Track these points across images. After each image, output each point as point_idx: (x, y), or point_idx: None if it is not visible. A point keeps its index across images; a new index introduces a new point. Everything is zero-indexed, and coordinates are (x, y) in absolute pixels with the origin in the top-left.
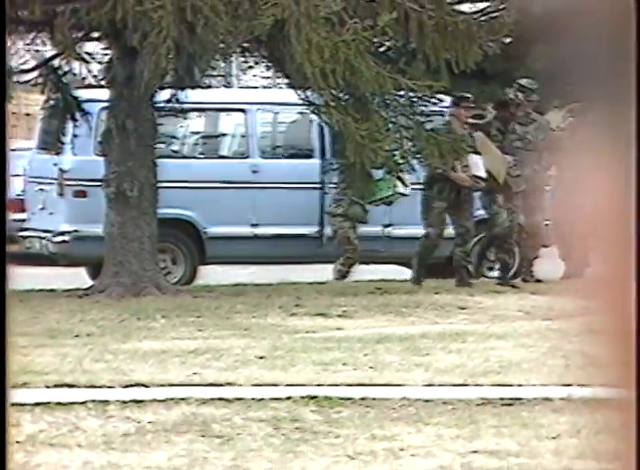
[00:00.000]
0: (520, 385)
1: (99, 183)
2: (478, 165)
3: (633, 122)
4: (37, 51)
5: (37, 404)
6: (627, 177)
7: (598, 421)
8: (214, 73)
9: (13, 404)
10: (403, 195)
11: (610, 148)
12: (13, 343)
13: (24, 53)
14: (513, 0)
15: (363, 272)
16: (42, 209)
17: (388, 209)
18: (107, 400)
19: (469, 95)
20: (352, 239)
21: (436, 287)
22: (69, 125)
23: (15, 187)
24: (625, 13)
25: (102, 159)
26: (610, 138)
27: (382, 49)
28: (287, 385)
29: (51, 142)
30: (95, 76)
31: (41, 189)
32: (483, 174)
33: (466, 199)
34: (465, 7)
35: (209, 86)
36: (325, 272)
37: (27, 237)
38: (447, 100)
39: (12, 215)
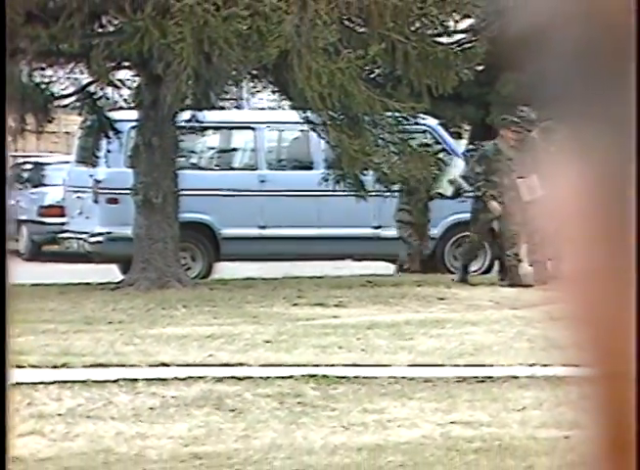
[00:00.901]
0: (491, 365)
1: (128, 191)
2: (531, 189)
3: (633, 123)
4: (76, 79)
5: (76, 382)
6: (594, 178)
7: (558, 395)
8: (228, 97)
9: (54, 382)
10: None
11: (576, 156)
12: (53, 329)
13: (65, 81)
14: (484, 31)
15: (355, 268)
16: (79, 214)
17: (378, 213)
18: (135, 379)
19: (516, 119)
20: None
21: (419, 281)
22: (103, 142)
23: (56, 195)
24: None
25: (131, 170)
26: (578, 147)
27: (372, 75)
28: (290, 365)
29: (87, 156)
30: (125, 100)
31: (79, 197)
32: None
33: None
34: (443, 39)
35: (223, 108)
36: (323, 268)
37: (67, 238)
38: (429, 118)
39: (53, 220)
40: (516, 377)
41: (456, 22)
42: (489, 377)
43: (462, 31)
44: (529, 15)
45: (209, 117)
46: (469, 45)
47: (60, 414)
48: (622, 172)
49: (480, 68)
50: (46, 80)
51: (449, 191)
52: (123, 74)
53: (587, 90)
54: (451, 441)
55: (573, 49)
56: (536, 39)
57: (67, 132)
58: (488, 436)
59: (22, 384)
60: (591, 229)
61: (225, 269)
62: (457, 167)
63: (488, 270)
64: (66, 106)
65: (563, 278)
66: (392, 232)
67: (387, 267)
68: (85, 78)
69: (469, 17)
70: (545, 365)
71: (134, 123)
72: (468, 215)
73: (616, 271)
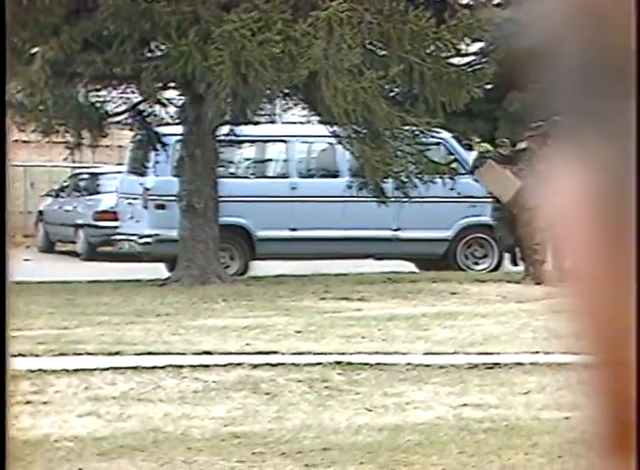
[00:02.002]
0: (498, 353)
1: (174, 198)
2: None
3: (633, 124)
4: (127, 98)
5: (128, 368)
6: (591, 180)
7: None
8: (262, 113)
9: (108, 368)
10: None
11: (575, 158)
12: (107, 321)
13: (118, 100)
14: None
15: (376, 266)
16: (130, 218)
17: (397, 217)
18: (181, 365)
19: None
20: None
21: (434, 277)
22: (152, 154)
23: (109, 202)
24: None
25: (176, 179)
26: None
27: (392, 93)
28: (318, 353)
29: (137, 167)
30: (171, 116)
31: (130, 203)
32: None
33: None
34: (456, 60)
35: (258, 122)
36: (347, 266)
37: (119, 240)
38: (443, 132)
39: (107, 224)
40: (521, 364)
41: (467, 45)
42: (497, 364)
43: (473, 54)
44: (536, 33)
45: (246, 131)
46: (479, 66)
47: (114, 397)
48: (623, 181)
49: (489, 86)
50: (101, 100)
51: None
52: (170, 94)
53: (590, 105)
54: (463, 421)
55: (577, 67)
56: (542, 57)
57: (119, 146)
58: (497, 417)
59: (79, 370)
60: (593, 232)
61: (260, 267)
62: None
63: (496, 268)
64: (118, 122)
65: (567, 276)
66: (410, 234)
67: (405, 265)
68: (136, 98)
69: (479, 40)
70: (547, 353)
71: (179, 137)
72: (478, 219)
73: (616, 270)
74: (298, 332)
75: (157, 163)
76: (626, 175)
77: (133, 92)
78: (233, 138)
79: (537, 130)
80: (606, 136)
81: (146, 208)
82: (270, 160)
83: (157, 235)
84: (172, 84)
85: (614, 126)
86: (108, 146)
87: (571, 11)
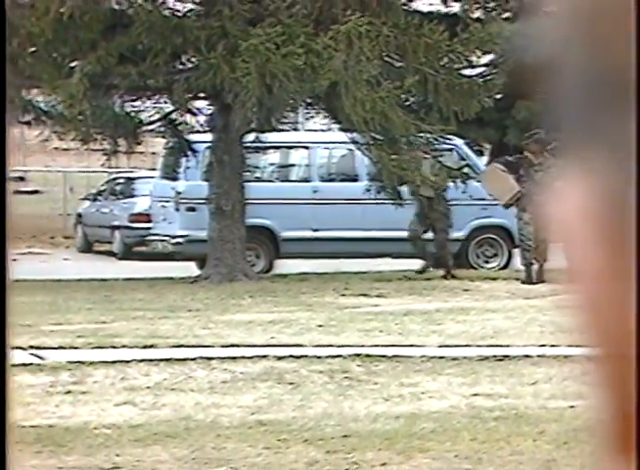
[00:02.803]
0: (508, 346)
1: (204, 201)
2: (505, 188)
3: (633, 125)
4: (160, 108)
5: (161, 360)
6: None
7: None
8: (286, 121)
9: (143, 360)
10: None
11: (580, 168)
12: (142, 316)
13: (151, 110)
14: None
15: (393, 264)
16: (163, 220)
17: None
18: (210, 357)
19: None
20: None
21: (447, 275)
22: (183, 160)
23: (143, 205)
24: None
25: (206, 183)
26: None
27: (407, 103)
28: (339, 346)
29: (169, 172)
30: (201, 125)
31: (162, 206)
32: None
33: None
34: (467, 72)
35: (282, 130)
36: (366, 264)
37: (153, 240)
38: (455, 139)
39: (142, 225)
40: (529, 356)
41: (478, 57)
42: (507, 356)
43: (483, 65)
44: (541, 48)
45: (271, 138)
46: (489, 77)
47: (148, 387)
48: (623, 191)
49: (499, 96)
50: (135, 110)
51: (429, 191)
52: (200, 104)
53: (593, 121)
54: (475, 410)
55: (580, 83)
56: (547, 71)
57: (153, 152)
58: (506, 406)
59: (116, 362)
60: (595, 235)
61: (284, 266)
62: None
63: (506, 266)
64: (152, 130)
65: (570, 275)
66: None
67: (420, 264)
68: (168, 107)
69: (489, 53)
70: (553, 346)
71: (208, 144)
72: (489, 220)
73: (616, 269)
74: (320, 326)
75: (187, 168)
76: (626, 186)
77: (165, 102)
78: (259, 145)
79: (534, 140)
80: (607, 150)
81: (177, 210)
82: (293, 165)
83: (187, 236)
84: (202, 95)
85: (615, 141)
86: (142, 153)
87: (575, 27)
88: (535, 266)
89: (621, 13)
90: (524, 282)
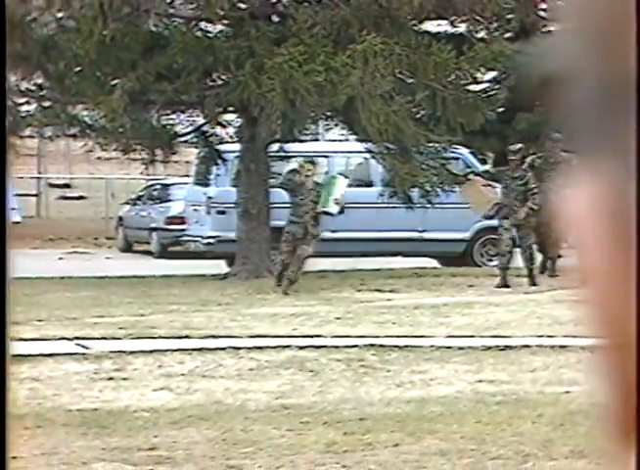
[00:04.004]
0: (509, 336)
1: (233, 205)
2: (480, 196)
3: (634, 127)
4: (193, 121)
5: (194, 349)
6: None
7: (561, 360)
8: (307, 132)
9: (178, 350)
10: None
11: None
12: (177, 309)
13: (185, 123)
14: (504, 81)
15: (405, 262)
16: (196, 222)
17: (422, 220)
18: (238, 347)
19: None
20: None
21: (453, 272)
22: (214, 168)
23: (178, 208)
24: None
25: (234, 189)
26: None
27: (418, 115)
28: (355, 336)
29: (201, 179)
30: (230, 136)
31: (195, 209)
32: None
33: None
34: (472, 87)
35: (304, 140)
36: (379, 262)
37: (187, 241)
38: (461, 148)
39: (176, 227)
40: (528, 346)
41: (482, 74)
42: (508, 346)
43: (487, 81)
44: (551, 61)
45: (293, 147)
46: (492, 92)
47: (182, 374)
48: (628, 192)
49: (501, 109)
50: (170, 123)
51: (335, 209)
52: (229, 117)
53: (601, 128)
54: (479, 395)
55: (590, 92)
56: (557, 83)
57: (186, 161)
58: (507, 391)
59: (153, 351)
60: (598, 235)
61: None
62: (341, 187)
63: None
64: (185, 141)
65: (580, 271)
66: (433, 235)
67: (429, 262)
68: (200, 120)
69: (492, 70)
70: (550, 336)
71: (237, 153)
72: (492, 222)
73: (620, 265)
74: (338, 319)
75: (218, 175)
76: (630, 187)
77: (198, 116)
78: (282, 154)
79: (515, 152)
80: (614, 155)
81: (209, 213)
82: None
83: (218, 236)
84: (231, 108)
85: (621, 146)
86: (177, 161)
87: (585, 43)
88: (549, 262)
89: (628, 28)
90: (498, 286)
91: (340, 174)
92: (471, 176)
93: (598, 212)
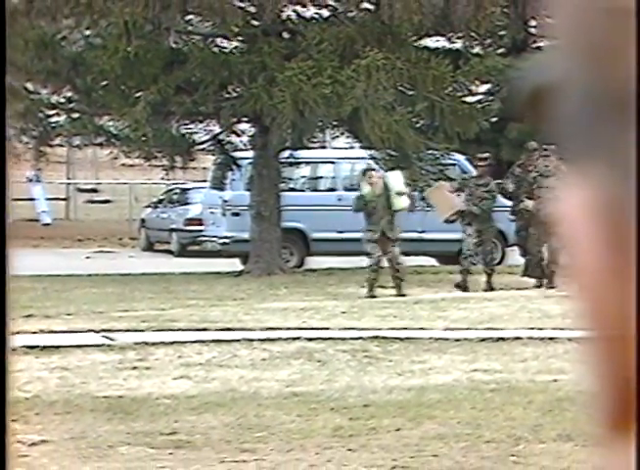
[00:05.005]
0: (502, 329)
1: (246, 207)
2: (446, 203)
3: (624, 135)
4: (210, 130)
5: (211, 341)
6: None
7: (550, 350)
8: (315, 140)
9: (196, 341)
10: None
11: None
12: (195, 304)
13: (202, 132)
14: (498, 93)
15: (405, 261)
16: (212, 223)
17: (422, 221)
18: (251, 339)
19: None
20: None
21: (451, 270)
22: (229, 173)
23: (196, 211)
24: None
25: (248, 193)
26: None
27: (418, 125)
28: (359, 329)
29: (218, 183)
30: (244, 144)
31: (212, 212)
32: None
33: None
34: (468, 99)
35: (312, 148)
36: (382, 261)
37: (204, 241)
38: (457, 155)
39: (195, 228)
40: (519, 338)
41: (477, 86)
42: (501, 338)
43: (481, 93)
44: (544, 72)
45: (302, 154)
46: (486, 103)
47: (200, 364)
48: (623, 198)
49: (494, 119)
50: (189, 132)
51: (404, 202)
52: (243, 126)
53: (595, 137)
54: (474, 383)
55: (584, 102)
56: (550, 93)
57: (204, 167)
58: (500, 379)
59: (174, 342)
60: (594, 236)
61: (313, 262)
62: (397, 180)
63: (500, 262)
64: (203, 149)
65: (573, 271)
66: (432, 235)
67: (428, 261)
68: (216, 130)
69: (487, 83)
70: (540, 329)
71: (250, 160)
72: None
73: (615, 266)
74: (344, 313)
75: (233, 180)
76: (626, 189)
77: (214, 125)
78: (292, 160)
79: (481, 161)
80: (609, 165)
81: (224, 215)
82: (321, 177)
83: (233, 237)
84: (245, 119)
85: (616, 156)
86: (195, 167)
87: (578, 57)
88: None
89: (622, 42)
90: (457, 285)
91: (391, 169)
92: (439, 182)
93: (590, 214)
